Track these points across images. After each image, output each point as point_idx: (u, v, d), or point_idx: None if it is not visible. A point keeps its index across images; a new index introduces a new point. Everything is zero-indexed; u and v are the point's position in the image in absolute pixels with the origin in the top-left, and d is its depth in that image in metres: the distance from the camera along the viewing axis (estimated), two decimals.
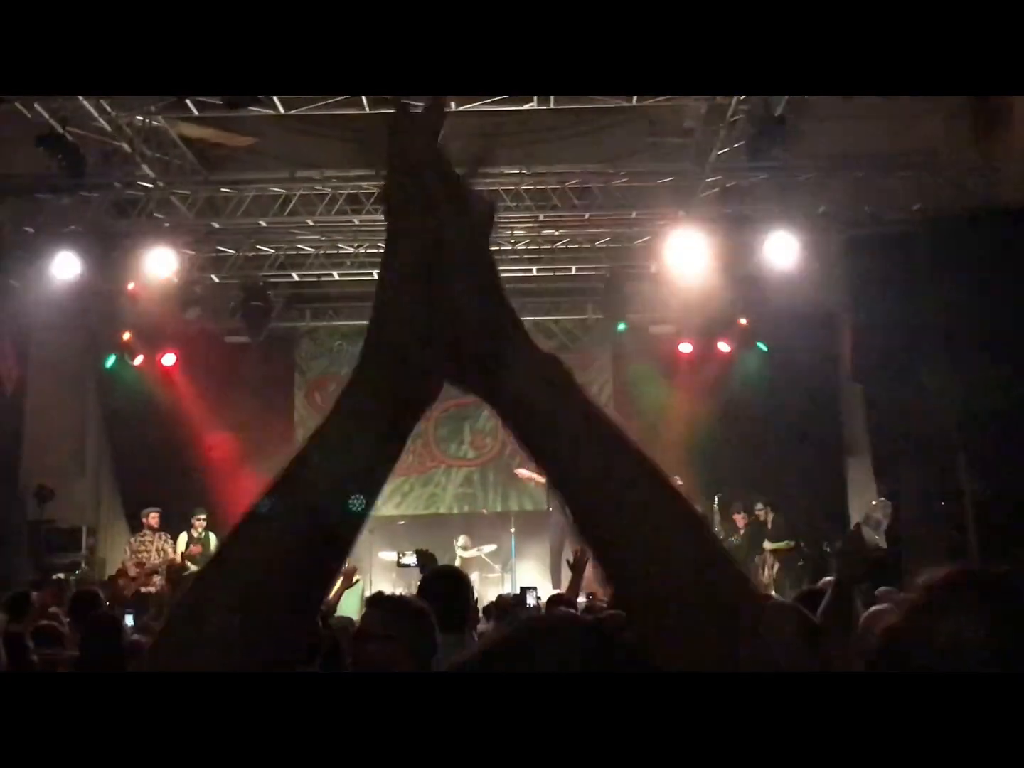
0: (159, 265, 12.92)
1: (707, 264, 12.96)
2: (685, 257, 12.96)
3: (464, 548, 15.42)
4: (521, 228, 13.83)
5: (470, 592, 4.34)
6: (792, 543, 14.35)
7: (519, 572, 14.80)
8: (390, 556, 15.04)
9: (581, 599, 9.70)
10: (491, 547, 15.58)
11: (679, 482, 11.47)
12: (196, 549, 14.45)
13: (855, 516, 16.35)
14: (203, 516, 14.81)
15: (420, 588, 4.41)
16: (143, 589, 13.66)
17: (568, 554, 13.88)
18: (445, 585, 4.27)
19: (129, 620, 8.75)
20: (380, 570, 15.48)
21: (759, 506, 14.73)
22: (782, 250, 12.80)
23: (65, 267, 12.84)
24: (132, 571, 14.03)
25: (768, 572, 14.19)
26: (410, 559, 12.87)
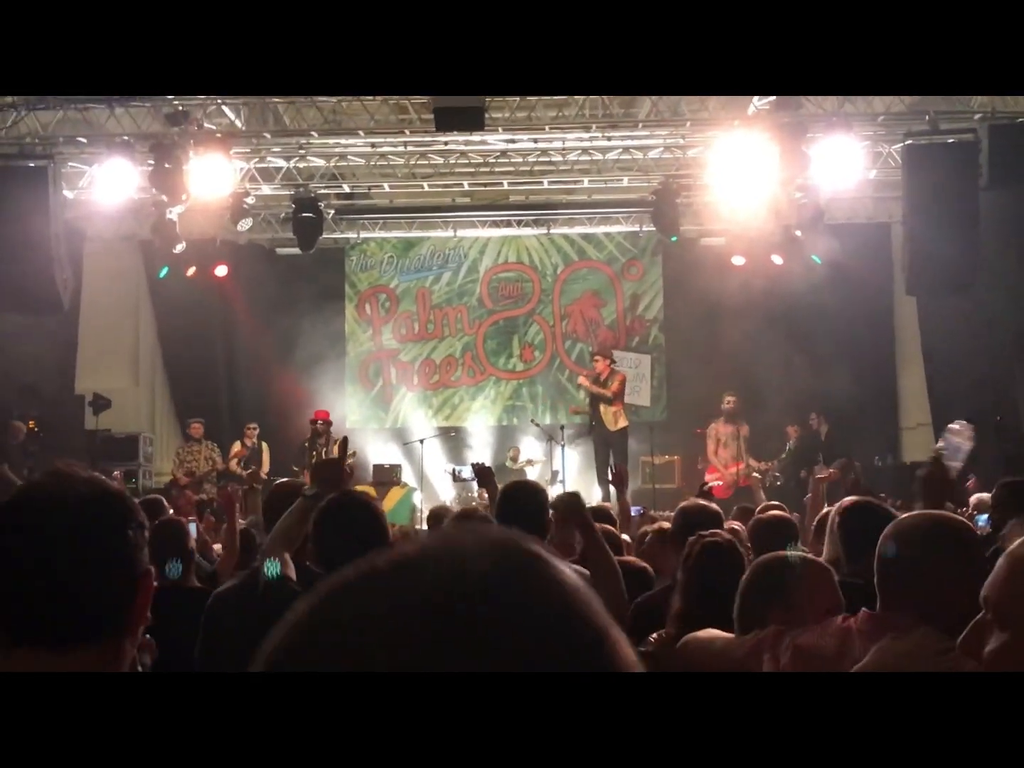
0: (211, 176, 12.87)
1: (761, 175, 12.71)
2: (738, 168, 12.70)
3: (513, 460, 15.49)
4: (572, 139, 13.63)
5: (546, 502, 4.59)
6: (843, 460, 14.31)
7: (568, 486, 14.84)
8: (447, 467, 15.25)
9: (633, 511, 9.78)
10: (540, 459, 15.65)
11: (730, 399, 11.49)
12: (241, 452, 14.88)
13: (905, 430, 16.27)
14: (255, 426, 15.02)
15: (500, 502, 4.66)
16: (195, 497, 13.93)
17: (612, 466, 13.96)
18: (526, 497, 4.59)
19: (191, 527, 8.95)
20: (436, 481, 15.66)
21: (812, 415, 14.72)
22: (838, 160, 12.52)
23: (118, 177, 12.85)
24: (182, 480, 14.31)
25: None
26: (467, 473, 13.00)
